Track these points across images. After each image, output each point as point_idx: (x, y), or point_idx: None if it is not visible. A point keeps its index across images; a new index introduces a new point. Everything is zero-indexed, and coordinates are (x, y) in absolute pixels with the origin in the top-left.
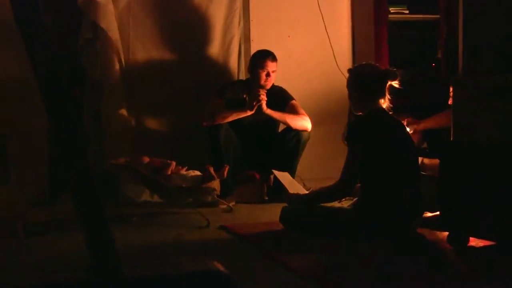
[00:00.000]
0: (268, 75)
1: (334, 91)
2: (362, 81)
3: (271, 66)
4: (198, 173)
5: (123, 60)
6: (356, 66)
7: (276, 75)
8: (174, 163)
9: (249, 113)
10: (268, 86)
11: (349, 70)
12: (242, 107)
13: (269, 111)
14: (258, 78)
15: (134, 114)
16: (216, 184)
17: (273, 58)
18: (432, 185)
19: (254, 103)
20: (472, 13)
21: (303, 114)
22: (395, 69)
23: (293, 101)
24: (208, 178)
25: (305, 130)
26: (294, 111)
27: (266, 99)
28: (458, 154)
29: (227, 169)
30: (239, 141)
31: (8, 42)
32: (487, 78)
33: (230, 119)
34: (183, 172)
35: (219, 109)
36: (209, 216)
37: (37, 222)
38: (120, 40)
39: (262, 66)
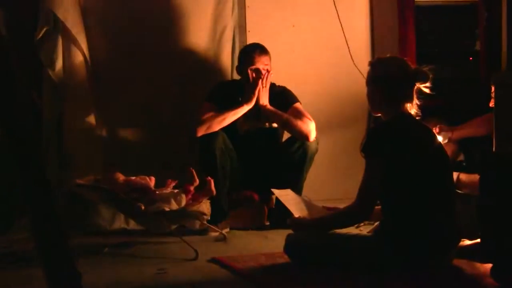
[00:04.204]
0: (258, 72)
1: (349, 93)
2: (386, 79)
3: (260, 61)
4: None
5: (89, 56)
6: (380, 59)
7: (273, 71)
8: (153, 179)
9: (247, 108)
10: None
11: (371, 63)
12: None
13: (269, 107)
14: (248, 78)
15: (105, 122)
16: (206, 207)
17: (262, 51)
18: (471, 206)
19: (254, 90)
20: None
21: (308, 119)
22: (426, 68)
23: (297, 104)
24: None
25: (307, 137)
26: (297, 115)
27: (266, 88)
28: (501, 168)
29: (212, 182)
30: (235, 154)
31: None
32: None
33: (228, 121)
34: (167, 191)
35: (212, 114)
36: (198, 246)
37: None
38: (84, 32)
39: (249, 63)
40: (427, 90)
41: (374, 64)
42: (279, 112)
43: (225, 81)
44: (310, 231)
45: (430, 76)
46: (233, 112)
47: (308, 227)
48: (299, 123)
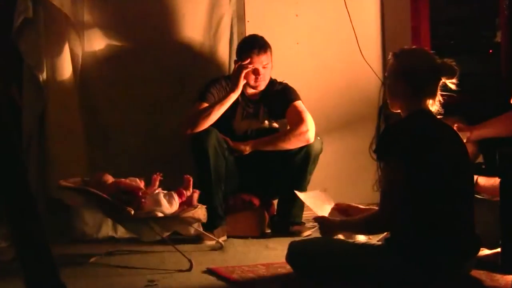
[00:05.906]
0: (257, 73)
1: (358, 89)
2: (412, 73)
3: (259, 61)
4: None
5: (75, 49)
6: (406, 51)
7: (273, 68)
8: (143, 181)
9: (234, 96)
10: (260, 86)
11: (394, 55)
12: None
13: (254, 147)
14: (246, 78)
15: (91, 120)
16: (202, 212)
17: (261, 49)
18: (491, 212)
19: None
20: None
21: (303, 120)
22: (452, 62)
23: (295, 102)
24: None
25: (307, 143)
26: (294, 115)
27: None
28: None
29: (197, 195)
30: (233, 156)
31: None
32: None
33: (216, 114)
34: (160, 196)
35: (198, 110)
36: (192, 255)
37: None
38: (72, 23)
39: (247, 63)
40: (453, 86)
41: (399, 55)
42: (266, 145)
43: (217, 78)
44: (315, 238)
45: (457, 70)
46: (219, 104)
47: (335, 228)
48: (291, 141)
